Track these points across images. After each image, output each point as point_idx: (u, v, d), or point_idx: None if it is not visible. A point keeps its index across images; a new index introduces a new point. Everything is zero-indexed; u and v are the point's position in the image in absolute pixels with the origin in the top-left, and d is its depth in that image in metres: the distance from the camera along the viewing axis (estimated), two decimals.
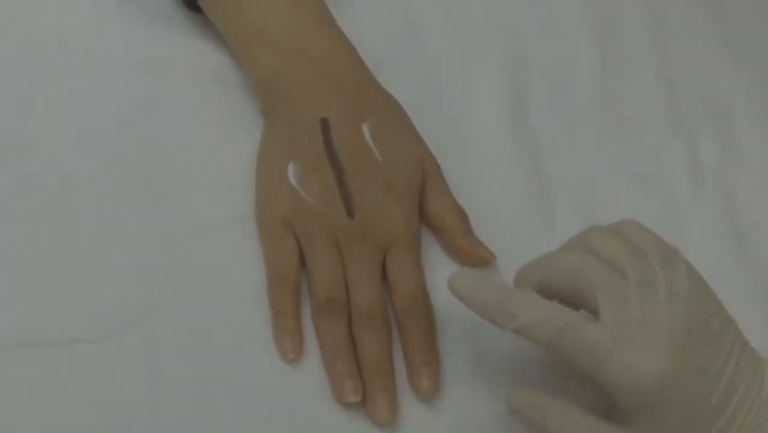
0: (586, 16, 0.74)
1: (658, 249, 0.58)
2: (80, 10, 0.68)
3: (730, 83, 0.73)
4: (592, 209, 0.68)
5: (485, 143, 0.69)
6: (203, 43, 0.68)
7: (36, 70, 0.66)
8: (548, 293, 0.57)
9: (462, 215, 0.65)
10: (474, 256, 0.64)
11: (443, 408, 0.61)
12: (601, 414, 0.56)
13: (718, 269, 0.66)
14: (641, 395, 0.54)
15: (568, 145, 0.70)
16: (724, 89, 0.73)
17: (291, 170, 0.62)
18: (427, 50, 0.71)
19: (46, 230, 0.62)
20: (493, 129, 0.69)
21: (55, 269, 0.61)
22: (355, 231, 0.61)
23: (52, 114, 0.65)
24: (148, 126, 0.65)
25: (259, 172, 0.64)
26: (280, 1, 0.64)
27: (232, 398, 0.59)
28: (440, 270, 0.63)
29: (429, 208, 0.64)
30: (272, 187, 0.63)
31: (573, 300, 0.56)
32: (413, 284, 0.62)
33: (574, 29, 0.74)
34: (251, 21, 0.64)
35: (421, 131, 0.66)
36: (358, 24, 0.67)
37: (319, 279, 0.61)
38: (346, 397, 0.59)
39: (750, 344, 0.57)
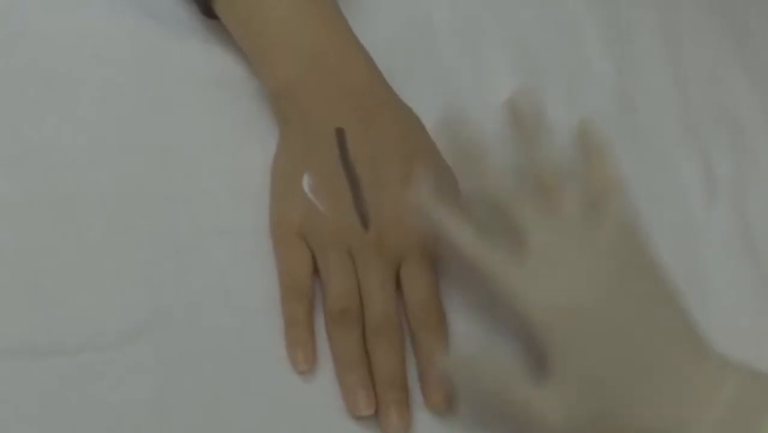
0: (600, 27, 0.74)
1: (600, 181, 0.59)
2: (90, 18, 0.68)
3: (745, 94, 0.73)
4: None
5: None
6: (218, 50, 0.67)
7: (44, 78, 0.66)
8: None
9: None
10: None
11: (456, 421, 0.61)
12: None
13: (731, 280, 0.66)
14: (549, 333, 0.55)
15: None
16: (738, 100, 0.73)
17: (306, 180, 0.62)
18: (442, 60, 0.70)
19: (55, 238, 0.62)
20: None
21: (63, 277, 0.61)
22: (370, 242, 0.61)
23: (60, 122, 0.65)
24: (159, 134, 0.65)
25: (274, 182, 0.63)
26: (297, 9, 0.64)
27: (243, 409, 0.59)
28: (454, 281, 0.63)
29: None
30: (287, 197, 0.63)
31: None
32: (427, 296, 0.62)
33: (587, 41, 0.73)
34: (267, 29, 0.64)
35: (436, 140, 0.65)
36: (373, 35, 0.66)
37: (333, 290, 0.61)
38: (359, 409, 0.59)
39: (700, 332, 0.57)
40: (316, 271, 0.62)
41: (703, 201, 0.69)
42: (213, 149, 0.65)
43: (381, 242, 0.61)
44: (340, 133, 0.62)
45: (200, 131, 0.66)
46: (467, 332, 0.63)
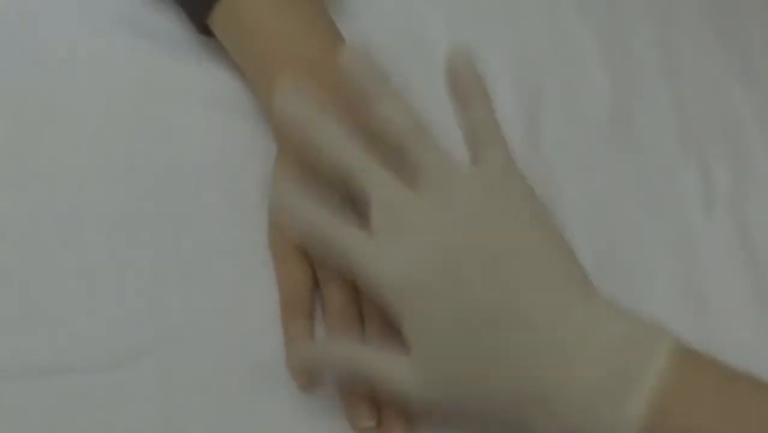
0: (596, 39, 0.74)
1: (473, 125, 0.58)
2: (89, 38, 0.68)
3: (743, 104, 0.73)
4: (604, 233, 0.67)
5: None
6: (215, 69, 0.68)
7: (46, 98, 0.66)
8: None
9: None
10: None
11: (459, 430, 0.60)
12: None
13: (731, 291, 0.66)
14: (391, 304, 0.55)
15: (580, 169, 0.69)
16: (736, 110, 0.73)
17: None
18: (437, 73, 0.70)
19: (59, 258, 0.62)
20: None
21: (67, 297, 0.61)
22: None
23: (62, 142, 0.65)
24: (160, 153, 0.65)
25: (272, 197, 0.63)
26: (292, 25, 0.64)
27: (247, 427, 0.59)
28: None
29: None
30: (285, 212, 0.63)
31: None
32: None
33: (584, 53, 0.73)
34: (263, 45, 0.64)
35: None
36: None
37: (333, 304, 0.61)
38: (361, 422, 0.59)
39: (582, 277, 0.55)
40: (316, 283, 0.62)
41: (702, 212, 0.69)
42: (213, 168, 0.66)
43: None
44: None
45: (200, 150, 0.66)
46: None
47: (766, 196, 0.70)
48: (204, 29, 0.67)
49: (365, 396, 0.60)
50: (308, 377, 0.60)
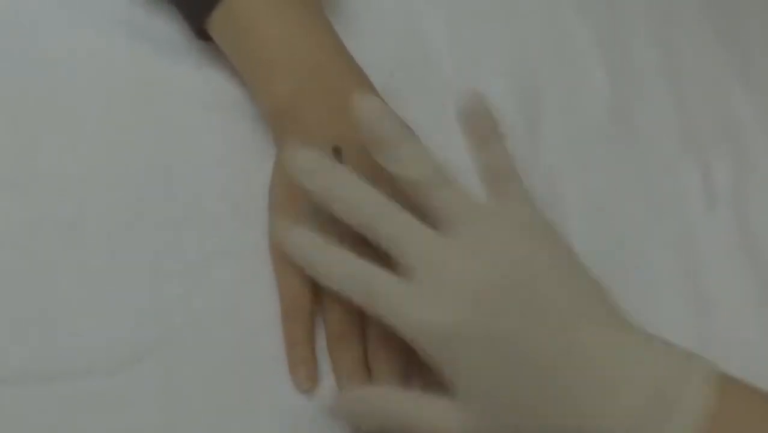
0: (596, 39, 0.74)
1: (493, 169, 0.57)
2: (89, 38, 0.68)
3: (743, 103, 0.73)
4: (605, 232, 0.67)
5: None
6: (213, 73, 0.68)
7: (45, 102, 0.66)
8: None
9: None
10: None
11: None
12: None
13: (733, 290, 0.66)
14: (435, 351, 0.54)
15: (580, 168, 0.69)
16: (736, 109, 0.73)
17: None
18: (438, 76, 0.71)
19: (60, 261, 0.62)
20: None
21: (68, 300, 0.61)
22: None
23: (62, 142, 0.65)
24: (160, 154, 0.65)
25: (272, 202, 0.63)
26: (290, 29, 0.64)
27: (247, 427, 0.59)
28: None
29: None
30: (284, 217, 0.62)
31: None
32: None
33: (583, 54, 0.73)
34: (261, 49, 0.64)
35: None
36: (369, 54, 0.66)
37: (333, 309, 0.61)
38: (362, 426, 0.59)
39: (617, 312, 0.55)
40: (316, 288, 0.62)
41: (703, 210, 0.69)
42: (213, 171, 0.65)
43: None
44: (337, 152, 0.62)
45: (200, 151, 0.66)
46: None
47: (767, 195, 0.70)
48: (202, 34, 0.67)
49: None
50: (311, 383, 0.60)
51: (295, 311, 0.61)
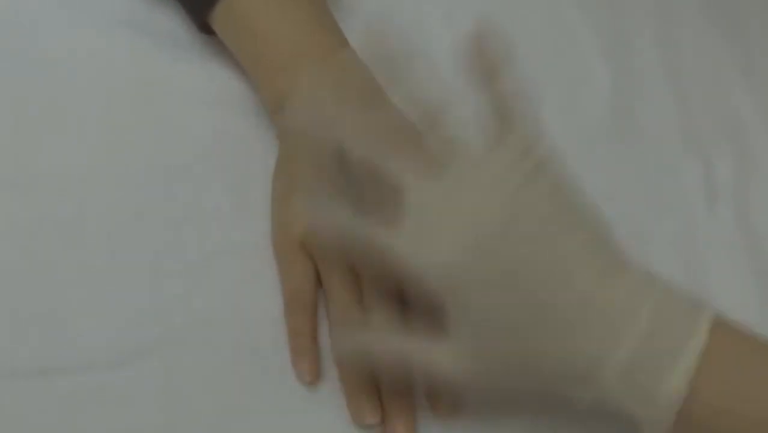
0: (598, 36, 0.74)
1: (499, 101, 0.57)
2: (89, 38, 0.68)
3: (745, 100, 0.73)
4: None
5: None
6: (215, 68, 0.68)
7: (45, 102, 0.66)
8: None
9: None
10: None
11: (462, 429, 0.60)
12: None
13: (734, 287, 0.66)
14: (438, 292, 0.54)
15: (582, 165, 0.69)
16: (738, 106, 0.73)
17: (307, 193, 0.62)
18: (440, 72, 0.70)
19: (61, 259, 0.62)
20: None
21: (69, 299, 0.61)
22: None
23: (62, 142, 0.65)
24: (160, 153, 0.66)
25: (275, 196, 0.63)
26: (294, 23, 0.64)
27: (248, 427, 0.59)
28: None
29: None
30: (287, 211, 0.63)
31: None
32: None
33: (585, 50, 0.73)
34: (265, 43, 0.64)
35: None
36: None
37: (336, 301, 0.61)
38: (364, 418, 0.59)
39: (615, 250, 0.55)
40: (319, 281, 0.62)
41: (704, 207, 0.69)
42: (214, 167, 0.65)
43: None
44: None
45: (201, 150, 0.66)
46: None
47: None
48: (205, 27, 0.67)
49: (369, 393, 0.59)
50: (314, 375, 0.60)
51: (297, 303, 0.61)
